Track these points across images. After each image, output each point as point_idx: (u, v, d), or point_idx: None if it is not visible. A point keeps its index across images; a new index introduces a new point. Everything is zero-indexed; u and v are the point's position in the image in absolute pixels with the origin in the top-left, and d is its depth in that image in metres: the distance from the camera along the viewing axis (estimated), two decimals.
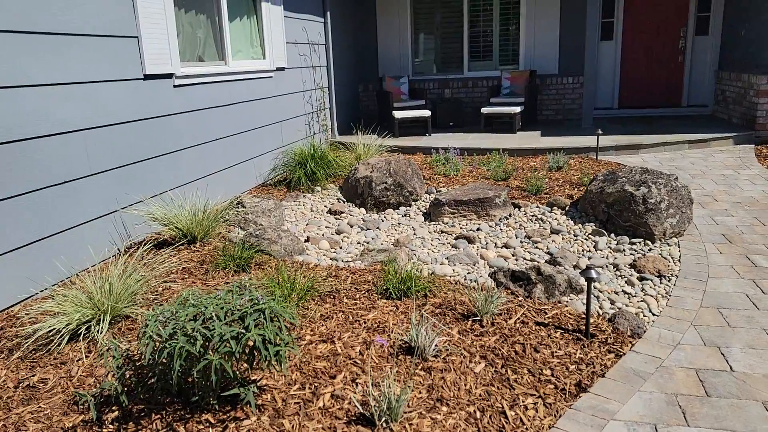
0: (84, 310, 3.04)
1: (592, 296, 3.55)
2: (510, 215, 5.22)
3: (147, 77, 4.82)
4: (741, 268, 3.92)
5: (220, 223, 4.68)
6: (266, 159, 6.91)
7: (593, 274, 2.94)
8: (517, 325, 3.13)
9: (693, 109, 10.16)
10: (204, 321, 2.27)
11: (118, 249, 4.43)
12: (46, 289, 3.77)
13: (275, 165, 7.09)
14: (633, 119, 9.89)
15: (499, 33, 10.53)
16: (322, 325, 3.12)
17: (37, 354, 2.96)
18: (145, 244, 4.49)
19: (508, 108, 8.95)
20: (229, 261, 3.94)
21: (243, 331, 2.24)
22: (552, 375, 2.71)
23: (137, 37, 4.69)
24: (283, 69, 7.42)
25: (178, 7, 5.35)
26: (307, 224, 5.32)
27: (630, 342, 3.00)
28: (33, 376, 2.78)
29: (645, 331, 3.11)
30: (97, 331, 3.06)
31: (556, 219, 5.03)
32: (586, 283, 3.71)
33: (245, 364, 2.44)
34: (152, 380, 2.49)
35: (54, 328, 3.00)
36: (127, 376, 2.58)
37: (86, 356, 2.91)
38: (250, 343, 2.38)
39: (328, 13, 9.00)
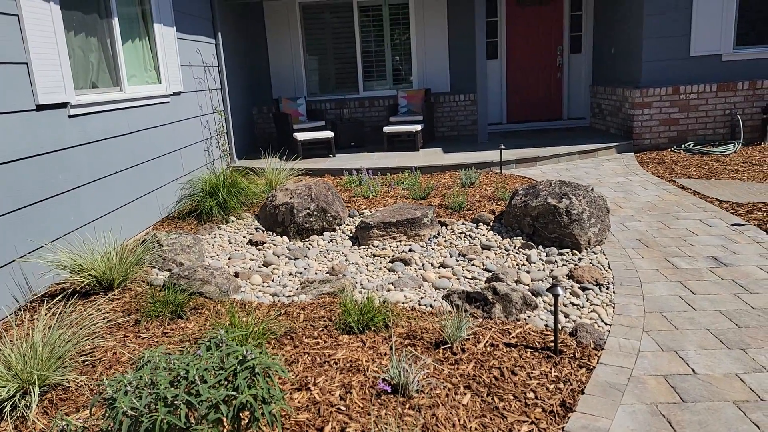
0: (8, 384, 2.58)
1: (548, 311, 3.61)
2: (439, 234, 5.23)
3: (40, 108, 4.28)
4: (666, 271, 4.18)
5: (138, 266, 4.24)
6: (169, 190, 6.43)
7: (559, 291, 2.97)
8: (488, 348, 3.10)
9: (573, 121, 10.92)
10: (186, 386, 1.99)
11: (20, 305, 3.87)
12: None
13: (180, 196, 6.61)
14: (522, 133, 10.42)
15: (391, 53, 10.68)
16: (290, 371, 2.89)
17: None
18: (53, 297, 3.95)
19: (409, 126, 9.07)
20: (161, 308, 3.56)
21: (234, 392, 1.99)
22: (536, 397, 2.69)
23: (26, 63, 4.17)
24: (179, 93, 6.97)
25: (68, 29, 4.84)
26: (229, 258, 4.98)
27: (595, 354, 3.07)
28: None
29: (605, 342, 3.20)
30: (25, 407, 2.61)
31: (484, 235, 5.11)
32: (537, 300, 3.78)
33: (228, 426, 2.17)
34: None
35: None
36: None
37: None
38: (234, 402, 2.12)
39: (219, 34, 8.64)
